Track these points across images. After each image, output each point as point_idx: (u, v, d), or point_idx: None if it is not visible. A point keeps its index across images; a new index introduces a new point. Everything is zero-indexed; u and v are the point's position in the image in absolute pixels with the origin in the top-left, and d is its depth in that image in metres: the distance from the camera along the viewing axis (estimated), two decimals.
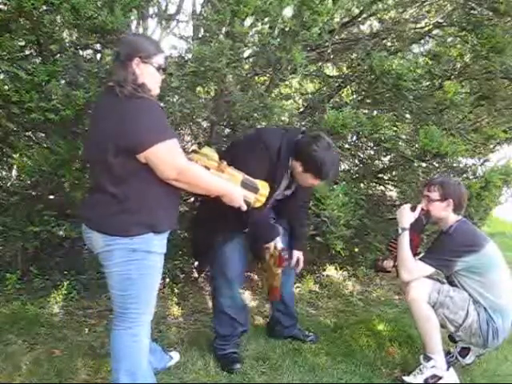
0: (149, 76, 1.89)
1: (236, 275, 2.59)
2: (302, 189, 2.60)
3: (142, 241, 1.89)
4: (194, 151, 2.11)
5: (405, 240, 2.53)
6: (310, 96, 3.90)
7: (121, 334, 2.01)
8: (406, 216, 2.57)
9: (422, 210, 2.59)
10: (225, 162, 2.06)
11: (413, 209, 2.59)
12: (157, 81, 1.94)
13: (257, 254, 2.62)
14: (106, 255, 1.92)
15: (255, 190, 2.12)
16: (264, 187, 2.17)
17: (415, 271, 2.48)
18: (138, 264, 1.91)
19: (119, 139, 1.79)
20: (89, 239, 1.99)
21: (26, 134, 2.92)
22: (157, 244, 1.94)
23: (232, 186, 2.03)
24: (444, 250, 2.49)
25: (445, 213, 2.53)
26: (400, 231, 2.56)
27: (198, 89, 3.03)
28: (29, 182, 2.98)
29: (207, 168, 1.99)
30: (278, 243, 2.49)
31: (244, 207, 2.09)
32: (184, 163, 1.87)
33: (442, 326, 2.48)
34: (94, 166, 1.97)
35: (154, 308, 2.06)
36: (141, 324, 2.01)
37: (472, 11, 3.37)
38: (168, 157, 1.82)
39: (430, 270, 2.47)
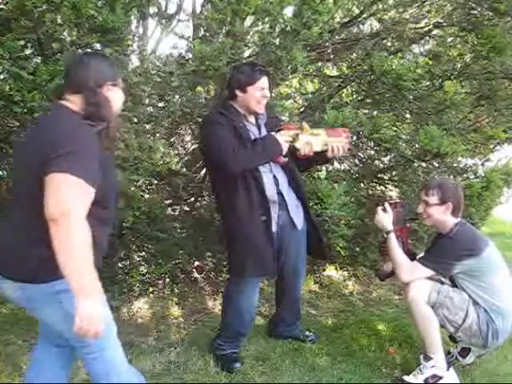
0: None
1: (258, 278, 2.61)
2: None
3: None
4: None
5: (393, 243, 2.53)
6: (310, 96, 3.89)
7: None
8: (383, 219, 2.58)
9: (391, 204, 2.60)
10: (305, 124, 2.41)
11: (384, 210, 2.59)
12: None
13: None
14: None
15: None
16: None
17: (413, 272, 2.48)
18: None
19: None
20: None
21: None
22: None
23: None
24: (444, 252, 2.47)
25: (444, 216, 2.49)
26: (385, 236, 2.57)
27: (199, 88, 3.03)
28: None
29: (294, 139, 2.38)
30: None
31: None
32: (74, 208, 1.41)
33: (442, 326, 2.48)
34: None
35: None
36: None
37: (472, 11, 3.37)
38: (62, 191, 1.42)
39: (429, 272, 2.46)
